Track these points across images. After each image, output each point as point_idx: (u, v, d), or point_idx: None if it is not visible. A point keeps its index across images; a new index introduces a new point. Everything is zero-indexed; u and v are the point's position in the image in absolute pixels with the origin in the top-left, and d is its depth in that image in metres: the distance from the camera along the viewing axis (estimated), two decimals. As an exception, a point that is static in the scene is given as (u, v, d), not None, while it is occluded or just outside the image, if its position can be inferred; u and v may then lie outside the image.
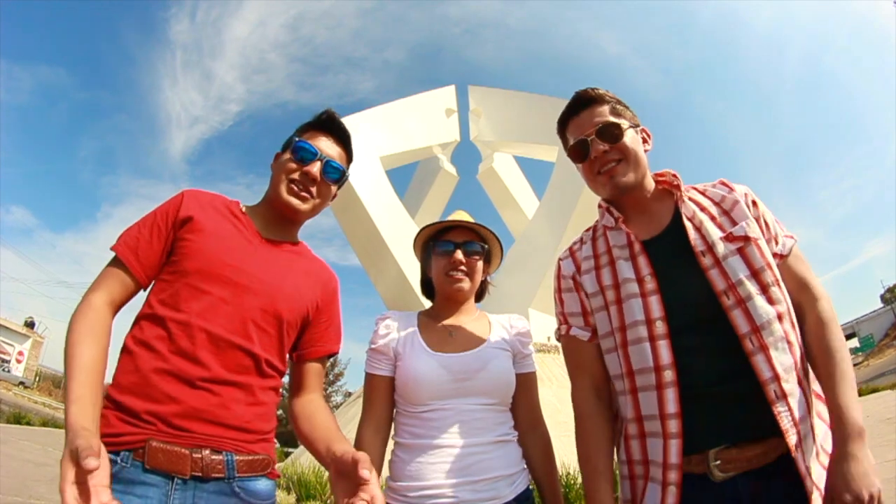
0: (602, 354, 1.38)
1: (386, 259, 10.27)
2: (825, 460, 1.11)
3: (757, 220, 1.28)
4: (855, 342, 39.38)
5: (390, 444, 1.51)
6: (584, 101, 1.41)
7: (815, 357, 1.19)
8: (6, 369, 36.27)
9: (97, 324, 1.17)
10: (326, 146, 1.44)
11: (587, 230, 1.54)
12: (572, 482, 5.37)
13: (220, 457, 1.16)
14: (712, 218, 1.29)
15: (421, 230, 1.67)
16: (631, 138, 1.36)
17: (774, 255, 1.25)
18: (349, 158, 1.53)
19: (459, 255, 1.56)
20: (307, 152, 1.40)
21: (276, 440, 1.35)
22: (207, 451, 1.15)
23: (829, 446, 1.12)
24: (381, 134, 10.96)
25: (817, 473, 1.09)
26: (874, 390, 15.16)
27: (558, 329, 1.47)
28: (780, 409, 1.09)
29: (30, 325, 42.44)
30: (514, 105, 12.69)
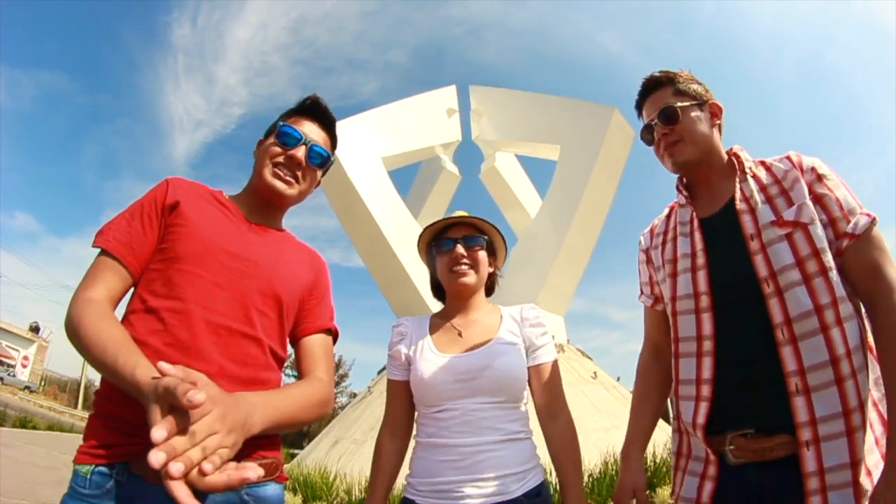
0: (665, 320, 1.49)
1: (389, 259, 10.25)
2: (865, 476, 1.07)
3: (820, 199, 1.22)
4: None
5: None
6: (649, 86, 1.48)
7: (880, 359, 1.13)
8: (11, 374, 36.42)
9: (107, 311, 1.08)
10: (311, 131, 1.40)
11: (669, 206, 1.58)
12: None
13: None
14: (769, 199, 1.27)
15: (421, 234, 1.68)
16: (691, 118, 1.38)
17: (843, 234, 1.19)
18: (334, 144, 1.50)
19: (460, 248, 1.56)
20: (291, 137, 1.36)
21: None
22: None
23: (876, 465, 1.08)
24: (382, 135, 10.92)
25: (839, 481, 1.07)
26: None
27: (639, 296, 1.64)
28: (797, 403, 1.10)
29: (34, 329, 42.57)
30: (516, 104, 12.66)
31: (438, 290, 1.73)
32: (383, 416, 1.57)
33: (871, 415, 1.11)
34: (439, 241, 1.62)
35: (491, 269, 1.68)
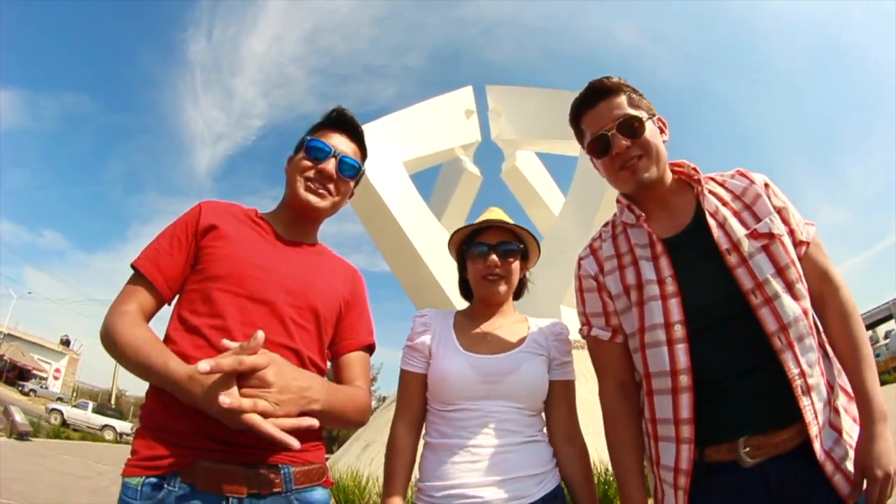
0: (627, 352, 1.38)
1: (415, 263, 10.23)
2: (851, 442, 1.15)
3: (779, 211, 1.27)
4: (892, 324, 37.72)
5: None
6: (600, 92, 1.37)
7: (839, 346, 1.22)
8: (44, 386, 37.36)
9: (138, 320, 1.15)
10: (339, 143, 1.41)
11: (605, 225, 1.51)
12: (612, 479, 5.25)
13: (277, 471, 1.11)
14: (735, 213, 1.28)
15: (455, 232, 1.64)
16: (651, 131, 1.33)
17: (800, 242, 1.26)
18: (364, 154, 1.51)
19: (494, 257, 1.52)
20: (321, 150, 1.37)
21: None
22: (264, 468, 1.09)
23: (854, 431, 1.16)
24: (402, 139, 10.95)
25: (840, 456, 1.13)
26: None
27: (581, 329, 1.48)
28: (804, 403, 1.12)
29: (65, 343, 43.73)
30: (533, 102, 12.59)
31: (465, 288, 1.70)
32: (396, 408, 1.51)
33: (843, 397, 1.22)
34: (473, 243, 1.57)
35: (521, 275, 1.64)
